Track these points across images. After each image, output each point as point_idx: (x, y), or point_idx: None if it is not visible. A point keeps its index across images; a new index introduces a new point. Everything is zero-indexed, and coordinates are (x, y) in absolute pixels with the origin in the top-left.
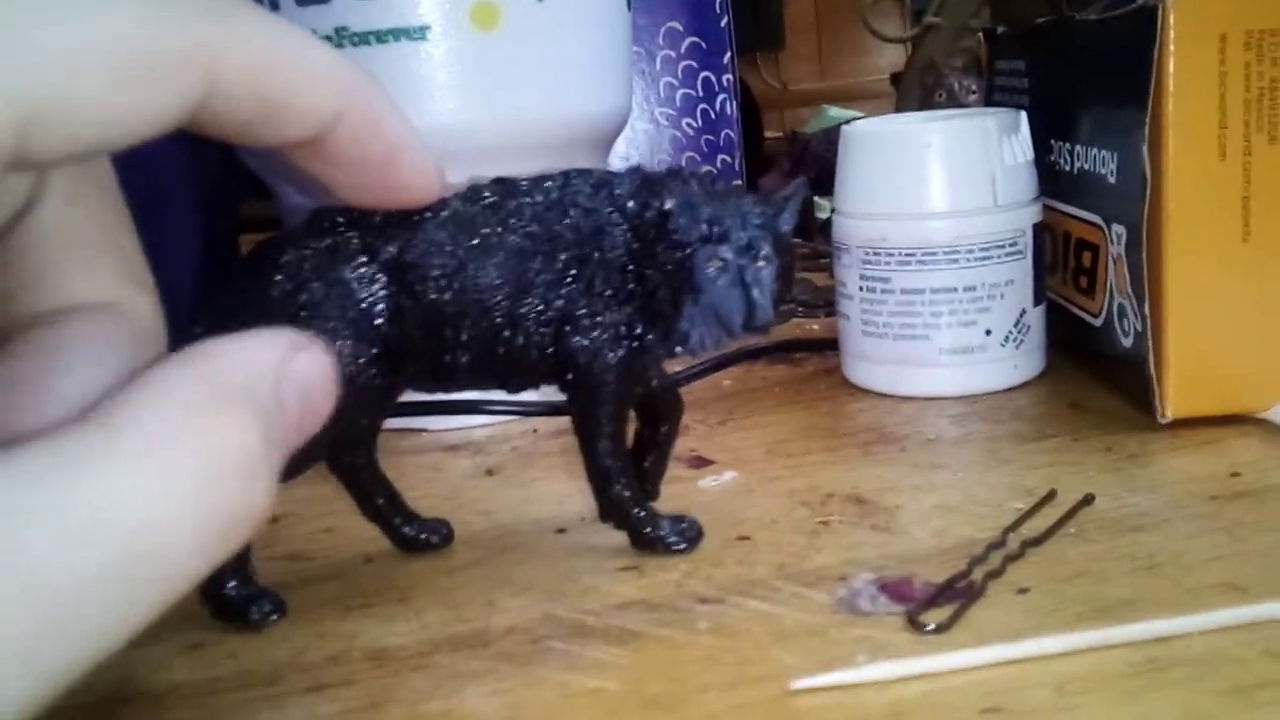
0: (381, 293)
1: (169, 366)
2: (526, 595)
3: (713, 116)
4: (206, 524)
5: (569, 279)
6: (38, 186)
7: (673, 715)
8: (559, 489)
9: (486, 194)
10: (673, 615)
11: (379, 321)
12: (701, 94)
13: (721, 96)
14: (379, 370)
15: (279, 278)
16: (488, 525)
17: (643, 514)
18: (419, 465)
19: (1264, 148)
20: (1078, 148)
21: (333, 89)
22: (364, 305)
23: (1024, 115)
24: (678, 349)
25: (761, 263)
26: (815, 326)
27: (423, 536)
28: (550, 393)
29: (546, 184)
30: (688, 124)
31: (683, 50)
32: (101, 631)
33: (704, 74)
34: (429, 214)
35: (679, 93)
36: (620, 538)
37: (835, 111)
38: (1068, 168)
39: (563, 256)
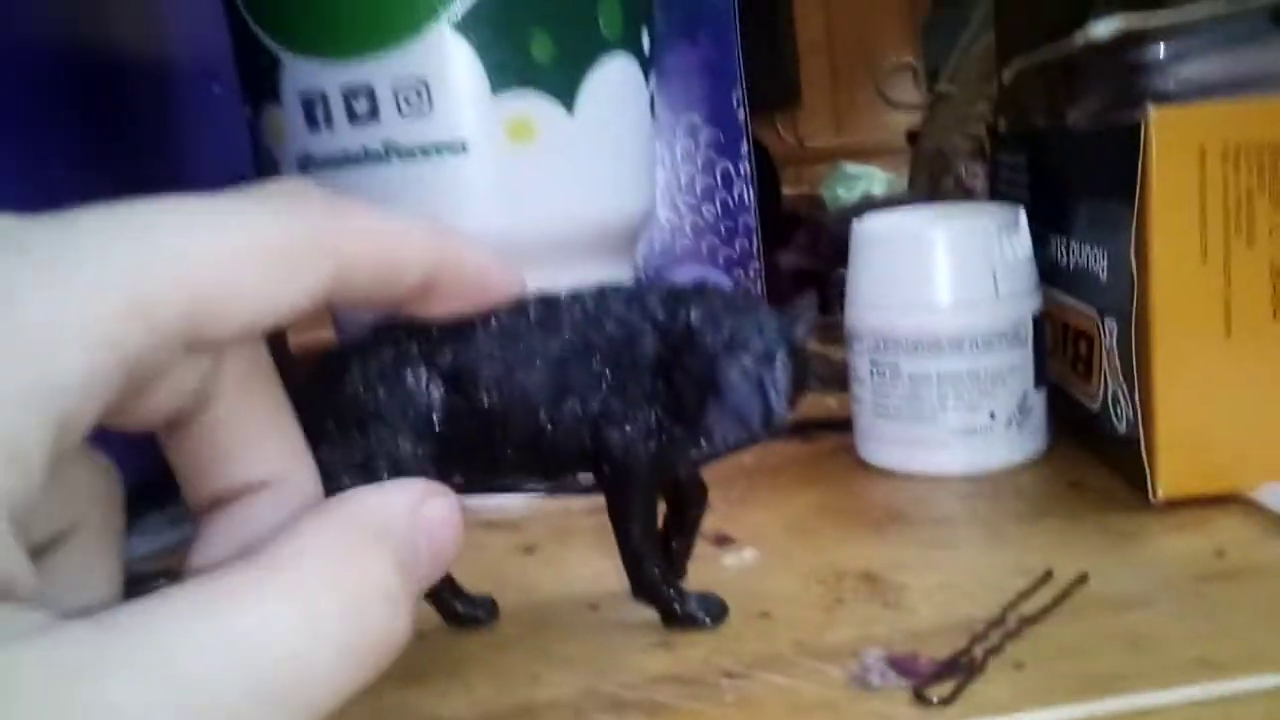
0: (438, 396)
1: (317, 514)
2: (566, 670)
3: (731, 205)
4: (351, 650)
5: (604, 382)
6: (212, 381)
7: None
8: (594, 567)
9: (530, 308)
10: (701, 689)
11: (436, 422)
12: (720, 183)
13: (739, 186)
14: (436, 468)
15: (348, 384)
16: (527, 601)
17: (672, 592)
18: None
19: (1242, 251)
20: (1073, 243)
21: (427, 242)
22: (423, 408)
23: (1022, 211)
24: (703, 444)
25: (778, 369)
26: (832, 403)
27: (471, 613)
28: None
29: (584, 297)
30: (707, 210)
31: (702, 142)
32: None
33: (722, 164)
34: (480, 326)
35: (699, 183)
36: (649, 614)
37: (852, 168)
38: (1065, 262)
39: (598, 362)
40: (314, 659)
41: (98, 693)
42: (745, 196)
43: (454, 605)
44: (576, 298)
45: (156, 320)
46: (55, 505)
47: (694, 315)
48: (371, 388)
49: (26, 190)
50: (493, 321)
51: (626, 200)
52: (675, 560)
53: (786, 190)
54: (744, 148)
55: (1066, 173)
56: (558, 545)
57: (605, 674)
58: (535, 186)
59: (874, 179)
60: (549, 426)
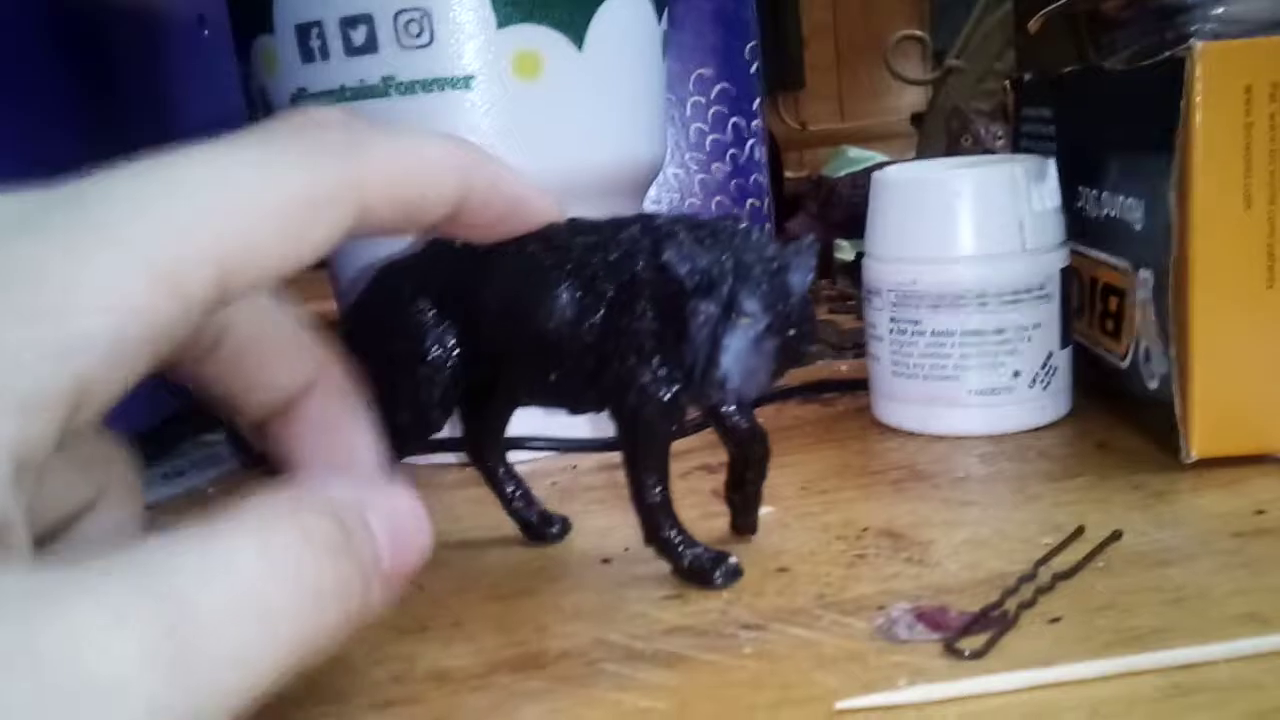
0: (458, 319)
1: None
2: (577, 621)
3: (741, 161)
4: (304, 588)
5: (608, 318)
6: (228, 316)
7: None
8: (601, 522)
9: (542, 236)
10: (718, 640)
11: (449, 358)
12: (731, 139)
13: (750, 141)
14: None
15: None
16: (534, 556)
17: (683, 546)
18: (464, 499)
19: None
20: (1105, 194)
21: (454, 176)
22: (444, 328)
23: (1052, 162)
24: (711, 394)
25: (743, 320)
26: (844, 368)
27: (548, 527)
28: (588, 429)
29: (588, 226)
30: (717, 168)
31: (712, 96)
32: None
33: (733, 119)
34: (493, 254)
35: (709, 138)
36: (663, 568)
37: (855, 152)
38: (1095, 214)
39: (602, 297)
40: (274, 591)
41: (64, 611)
42: (757, 153)
43: (528, 517)
44: (581, 226)
45: (184, 289)
46: (78, 475)
47: (667, 251)
48: (381, 326)
49: (13, 142)
50: (503, 250)
51: (636, 143)
52: (737, 516)
53: (788, 174)
54: (757, 102)
55: (1099, 120)
56: (565, 502)
57: (617, 625)
58: (541, 126)
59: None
60: (558, 362)
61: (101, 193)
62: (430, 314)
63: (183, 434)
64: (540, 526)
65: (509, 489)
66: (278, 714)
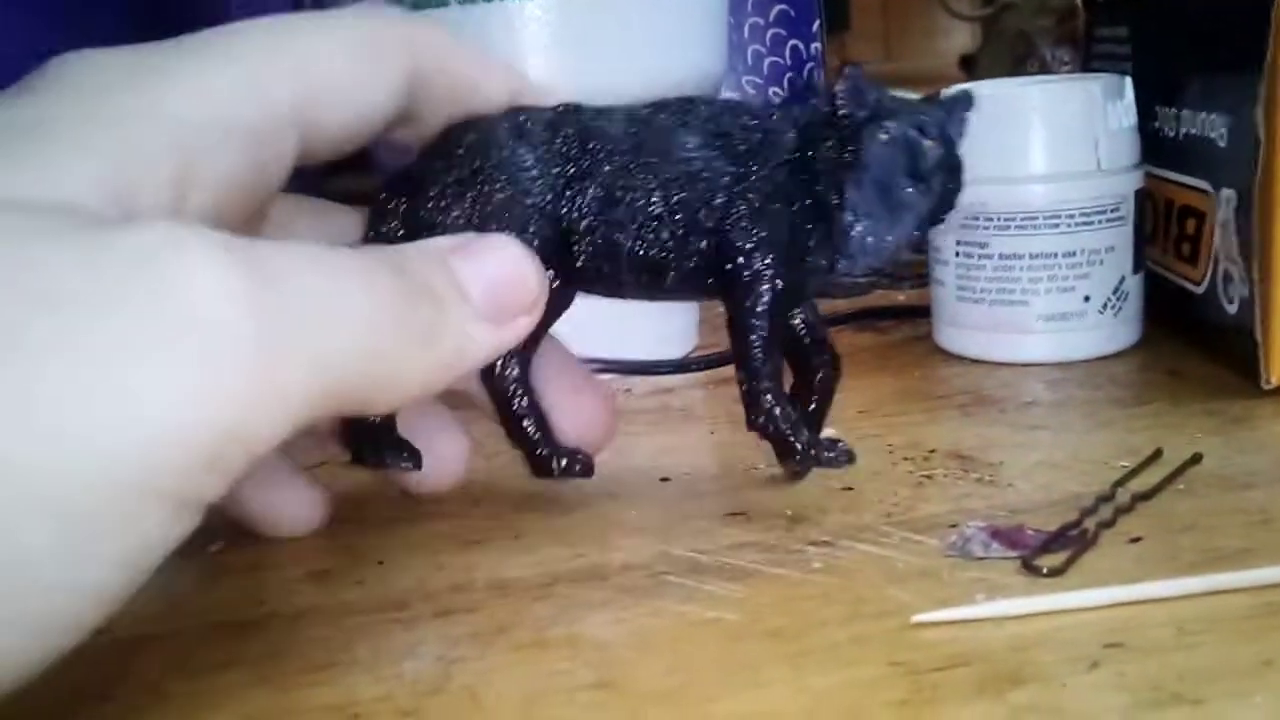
0: (558, 171)
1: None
2: (639, 536)
3: (800, 85)
4: (380, 309)
5: (737, 177)
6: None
7: (795, 644)
8: (660, 442)
9: (661, 102)
10: (785, 556)
11: (553, 198)
12: (789, 63)
13: (810, 65)
14: (550, 254)
15: (461, 153)
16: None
17: (793, 425)
18: None
19: None
20: (1184, 113)
21: (505, 82)
22: (541, 181)
23: (1129, 80)
24: (839, 259)
25: (929, 143)
26: (901, 297)
27: (566, 463)
28: (643, 351)
29: (716, 102)
30: (775, 93)
31: (771, 18)
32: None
33: (792, 42)
34: (608, 109)
35: (766, 61)
36: (726, 484)
37: (902, 95)
38: (1173, 134)
39: (734, 154)
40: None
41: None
42: (816, 76)
43: (541, 453)
44: (708, 102)
45: (269, 98)
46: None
47: (838, 86)
48: (488, 157)
49: None
50: (620, 109)
51: (694, 58)
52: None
53: None
54: (816, 25)
55: (1180, 37)
56: (621, 424)
57: (680, 540)
58: (592, 38)
59: None
60: (677, 214)
61: (209, 35)
62: (548, 150)
63: None
64: (560, 462)
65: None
66: (336, 618)
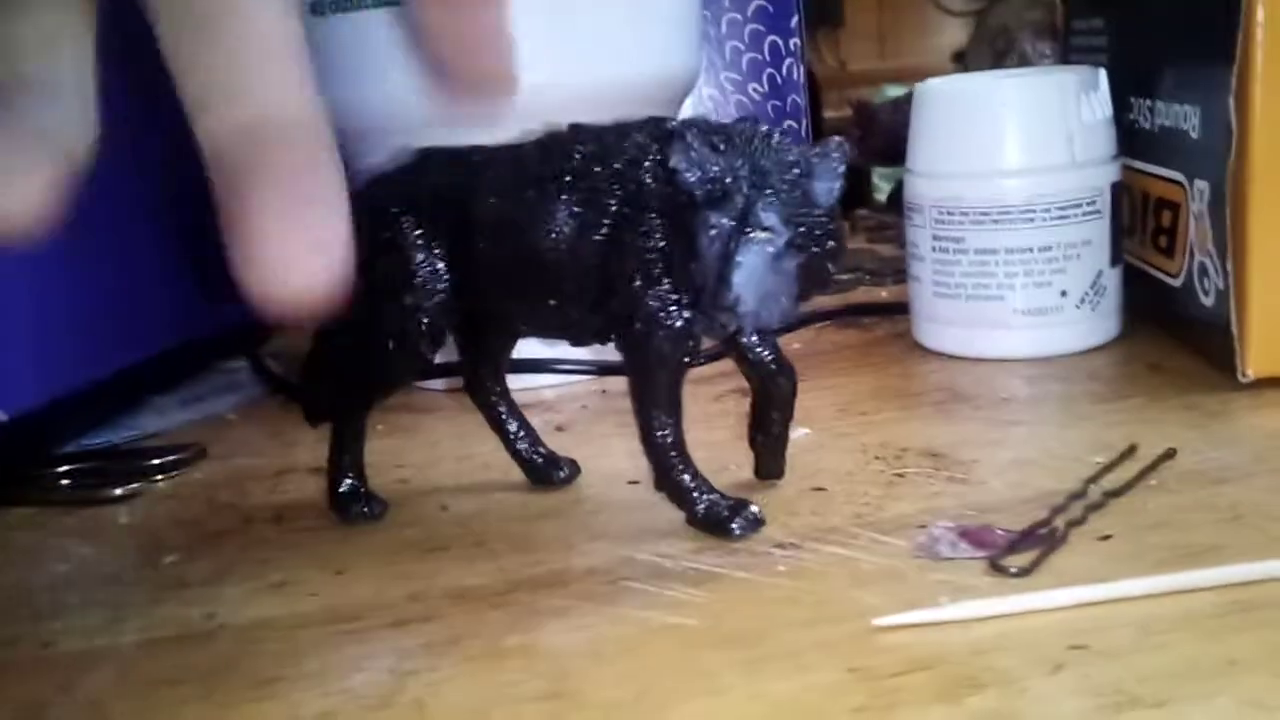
0: (449, 237)
1: None
2: (602, 540)
3: (779, 81)
4: None
5: (614, 236)
6: None
7: (754, 650)
8: (630, 444)
9: (532, 145)
10: (749, 559)
11: (448, 266)
12: (768, 59)
13: (788, 61)
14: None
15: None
16: None
17: (698, 494)
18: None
19: None
20: (1159, 104)
21: None
22: (432, 248)
23: (1103, 72)
24: (723, 319)
25: (760, 235)
26: (883, 294)
27: (555, 470)
28: (616, 353)
29: (598, 133)
30: (754, 89)
31: (749, 14)
32: None
33: (770, 38)
34: (487, 163)
35: (745, 57)
36: None
37: (895, 91)
38: (1147, 125)
39: (610, 211)
40: None
41: None
42: (795, 72)
43: (533, 459)
44: (584, 132)
45: None
46: None
47: (673, 158)
48: (381, 258)
49: None
50: (493, 160)
51: (670, 55)
52: (761, 460)
53: (828, 114)
54: (795, 20)
55: (1155, 28)
56: (591, 424)
57: (645, 544)
58: (570, 35)
59: None
60: (557, 285)
61: None
62: (416, 233)
63: (202, 361)
64: (546, 469)
65: (511, 427)
66: (288, 630)
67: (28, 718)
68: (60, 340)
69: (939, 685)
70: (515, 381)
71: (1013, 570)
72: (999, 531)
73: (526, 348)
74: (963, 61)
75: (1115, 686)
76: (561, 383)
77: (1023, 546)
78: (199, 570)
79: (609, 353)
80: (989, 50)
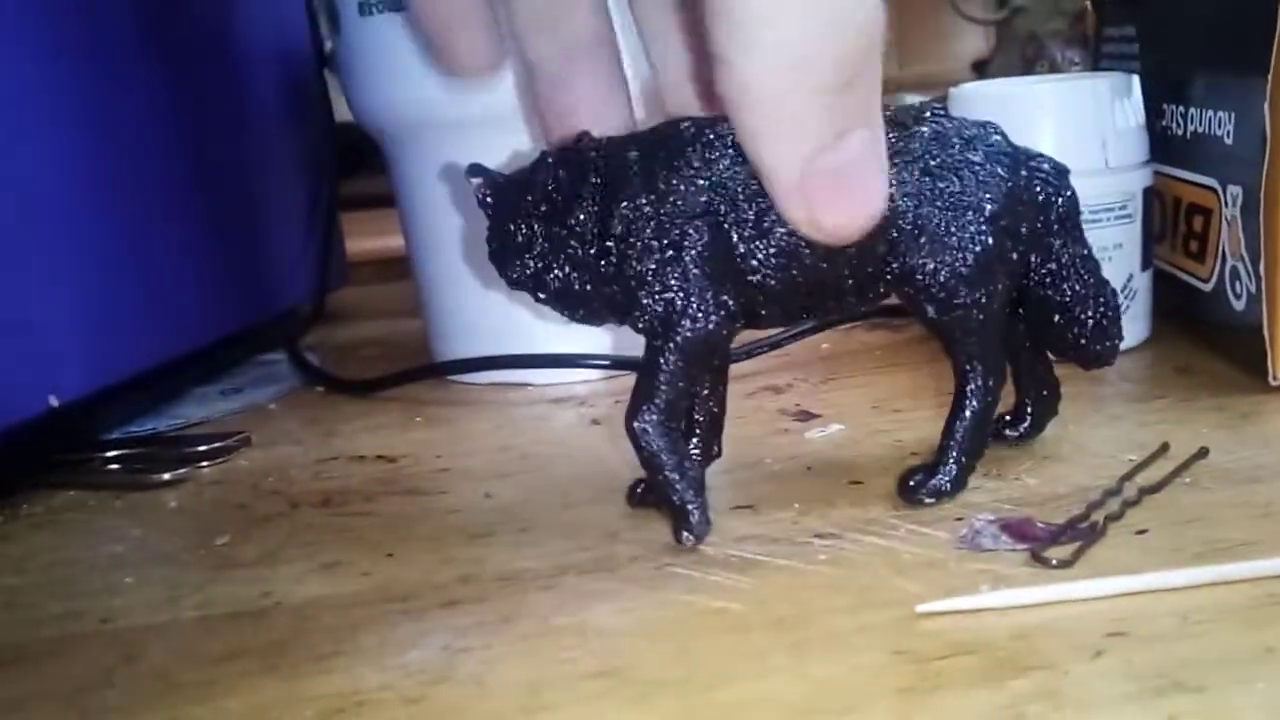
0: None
1: None
2: (645, 529)
3: None
4: None
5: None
6: None
7: (800, 633)
8: None
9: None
10: (791, 548)
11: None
12: None
13: None
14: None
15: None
16: (600, 469)
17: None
18: (528, 416)
19: None
20: (1192, 110)
21: None
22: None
23: (1136, 78)
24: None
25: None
26: None
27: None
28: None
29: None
30: None
31: None
32: None
33: None
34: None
35: None
36: (735, 478)
37: (912, 100)
38: (1180, 131)
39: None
40: None
41: None
42: None
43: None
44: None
45: None
46: None
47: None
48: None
49: (84, 69)
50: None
51: None
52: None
53: None
54: None
55: (1188, 35)
56: None
57: None
58: None
59: None
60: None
61: None
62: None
63: (241, 354)
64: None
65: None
66: (342, 608)
67: (95, 685)
68: (107, 332)
69: (983, 668)
70: (547, 376)
71: (1055, 562)
72: (1040, 525)
73: (555, 344)
74: (982, 70)
75: (1156, 671)
76: (592, 378)
77: (1063, 540)
78: (250, 551)
79: (636, 348)
80: (1019, 57)
